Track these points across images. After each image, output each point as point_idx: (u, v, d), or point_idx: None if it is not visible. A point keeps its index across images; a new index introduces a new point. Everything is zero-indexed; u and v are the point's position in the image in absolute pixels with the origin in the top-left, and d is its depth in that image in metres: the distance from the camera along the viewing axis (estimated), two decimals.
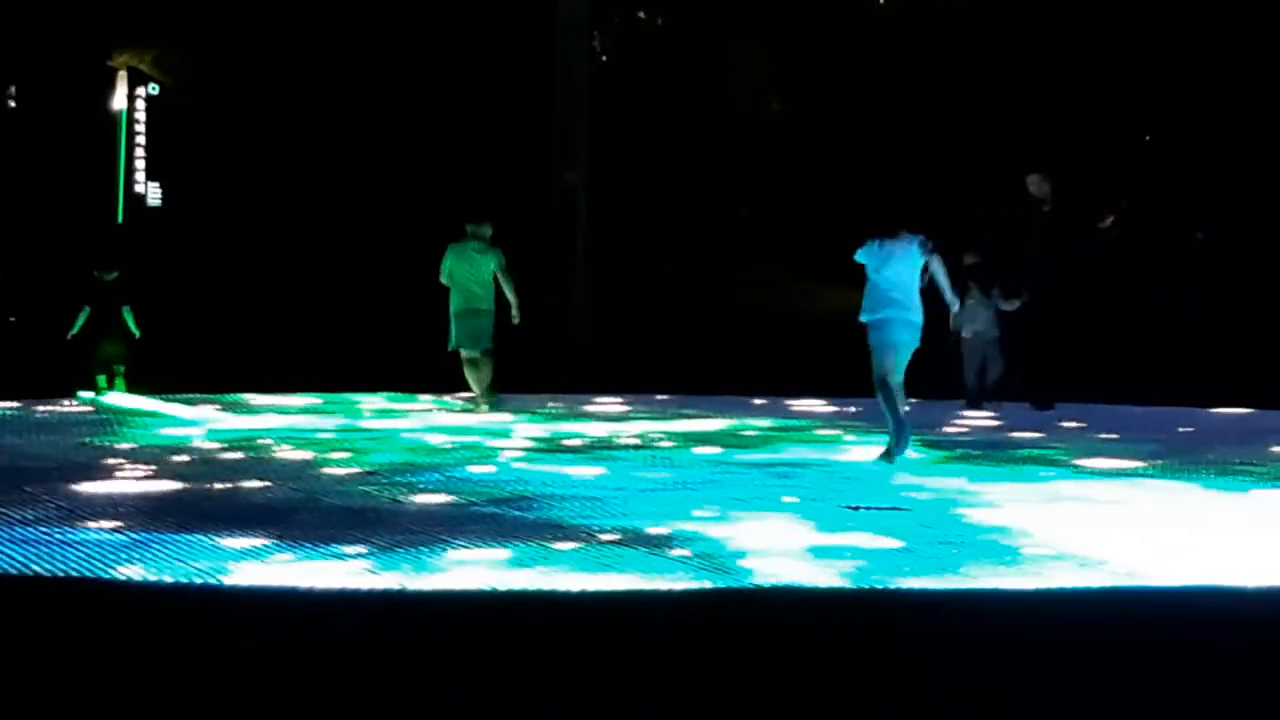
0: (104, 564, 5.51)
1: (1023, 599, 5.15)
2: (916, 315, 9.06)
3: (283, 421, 11.92)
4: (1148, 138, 28.48)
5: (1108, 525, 6.59)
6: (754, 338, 21.43)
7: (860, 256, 9.18)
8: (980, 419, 12.39)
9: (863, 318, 9.16)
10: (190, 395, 14.50)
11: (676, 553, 5.80)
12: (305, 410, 13.25)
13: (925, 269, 9.05)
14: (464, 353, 12.90)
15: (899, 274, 9.01)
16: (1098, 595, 5.20)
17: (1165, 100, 28.65)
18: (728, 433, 11.30)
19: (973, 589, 5.24)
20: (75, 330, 14.42)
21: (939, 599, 5.12)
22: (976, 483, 8.07)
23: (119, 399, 14.25)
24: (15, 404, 13.36)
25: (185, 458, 9.16)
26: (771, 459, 9.37)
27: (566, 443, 10.40)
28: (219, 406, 13.45)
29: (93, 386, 14.39)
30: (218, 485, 7.78)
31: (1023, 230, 11.85)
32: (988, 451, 9.85)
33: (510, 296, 12.77)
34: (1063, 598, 5.16)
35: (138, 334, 14.64)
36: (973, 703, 3.97)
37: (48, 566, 5.44)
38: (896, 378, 9.05)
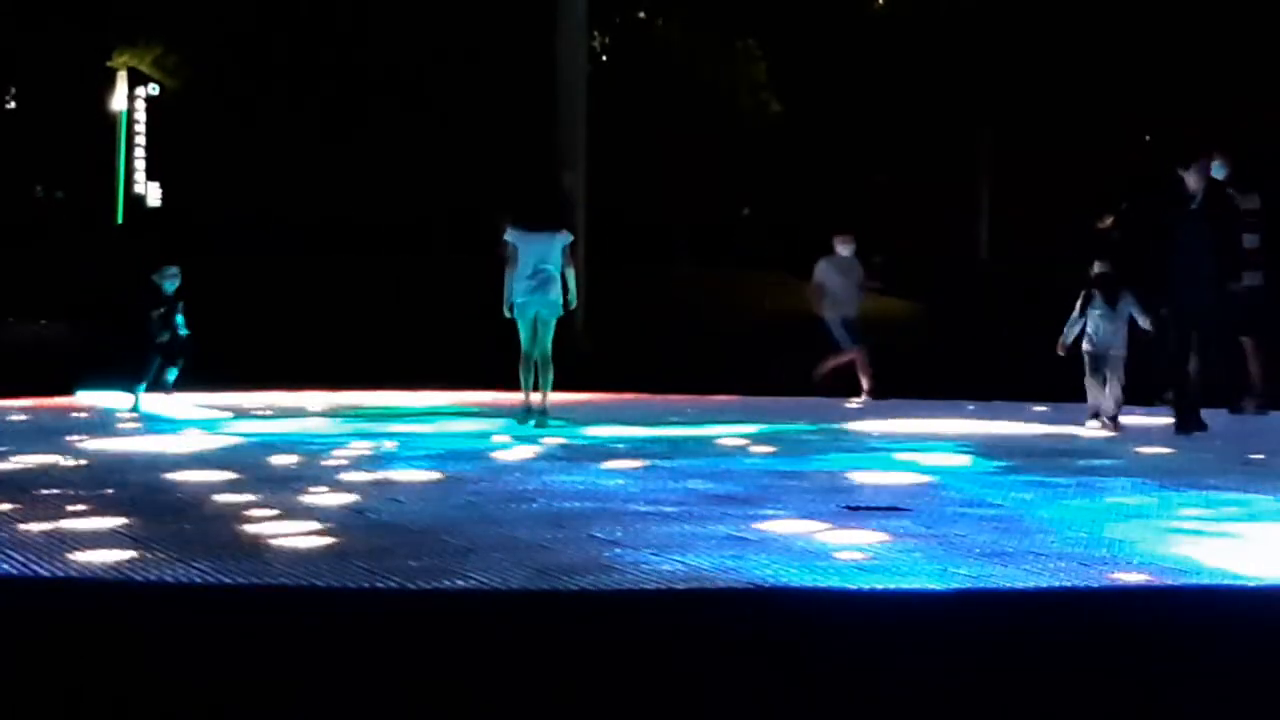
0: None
1: (1022, 599, 5.14)
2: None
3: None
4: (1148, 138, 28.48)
5: (1129, 529, 6.57)
6: (752, 338, 21.41)
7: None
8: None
9: None
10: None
11: (674, 553, 5.79)
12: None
13: None
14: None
15: None
16: (1098, 595, 5.20)
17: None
18: (722, 436, 11.28)
19: (972, 589, 5.23)
20: (160, 339, 13.98)
21: (939, 599, 5.11)
22: (991, 487, 8.04)
23: (170, 404, 13.94)
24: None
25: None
26: (770, 459, 9.37)
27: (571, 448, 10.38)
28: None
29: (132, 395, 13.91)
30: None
31: (1174, 229, 10.89)
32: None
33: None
34: (1063, 598, 5.15)
35: (185, 333, 14.16)
36: (973, 703, 3.96)
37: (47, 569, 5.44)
38: None
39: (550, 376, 11.64)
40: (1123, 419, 11.52)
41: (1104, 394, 11.35)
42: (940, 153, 34.13)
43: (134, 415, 12.99)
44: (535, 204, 11.88)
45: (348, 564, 5.51)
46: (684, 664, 4.31)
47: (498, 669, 4.22)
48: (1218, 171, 12.23)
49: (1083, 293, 11.26)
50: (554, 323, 11.62)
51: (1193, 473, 8.54)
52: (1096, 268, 11.28)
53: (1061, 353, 11.48)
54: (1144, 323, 11.03)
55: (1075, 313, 11.23)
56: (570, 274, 11.59)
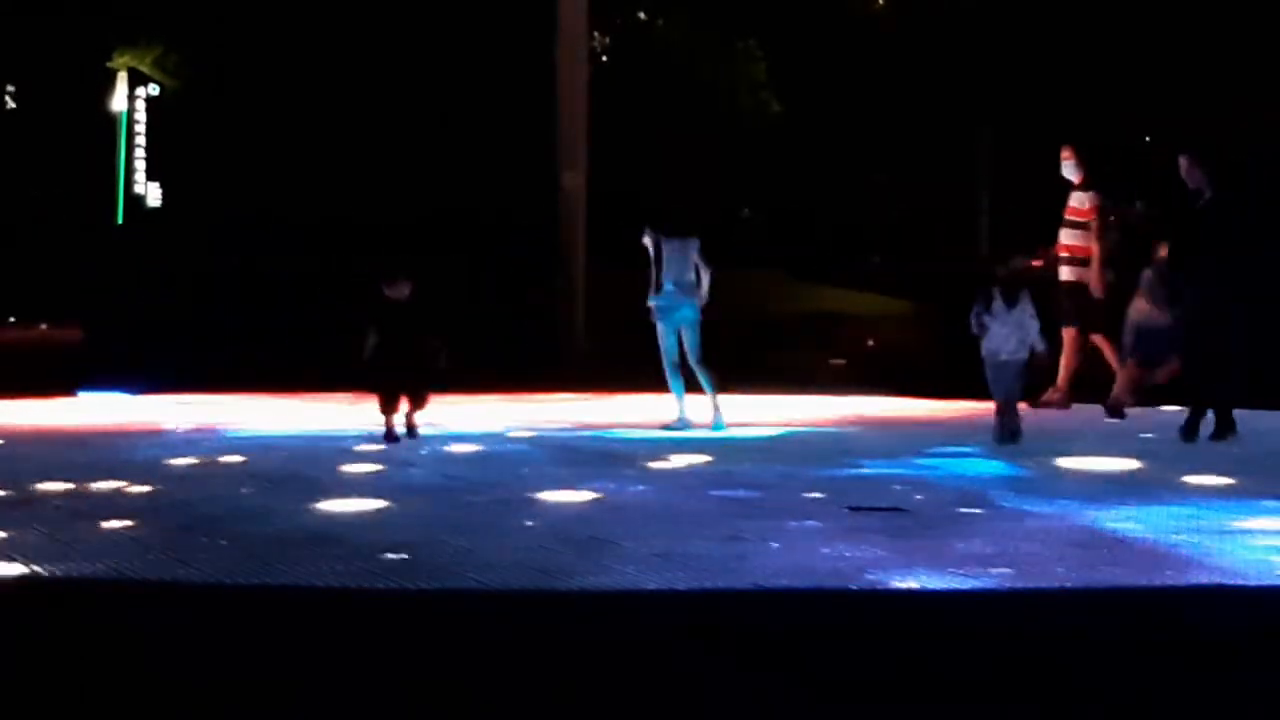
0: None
1: (1023, 599, 5.14)
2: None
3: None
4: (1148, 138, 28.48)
5: (1129, 529, 6.56)
6: (752, 338, 21.41)
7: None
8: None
9: None
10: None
11: (674, 553, 5.79)
12: None
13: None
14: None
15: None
16: (1100, 595, 5.20)
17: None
18: (722, 439, 11.26)
19: (972, 589, 5.23)
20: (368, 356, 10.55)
21: (939, 599, 5.11)
22: (991, 487, 8.02)
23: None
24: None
25: None
26: (771, 459, 9.36)
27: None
28: None
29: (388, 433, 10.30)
30: None
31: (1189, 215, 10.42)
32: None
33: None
34: (1064, 598, 5.15)
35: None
36: (973, 703, 3.96)
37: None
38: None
39: (709, 378, 11.59)
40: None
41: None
42: (940, 153, 34.10)
43: (133, 416, 12.96)
44: (673, 210, 11.97)
45: (348, 564, 5.51)
46: (684, 664, 4.31)
47: (498, 669, 4.22)
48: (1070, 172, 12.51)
49: (981, 291, 10.24)
50: (699, 326, 11.62)
51: (1200, 477, 8.54)
52: (1000, 268, 10.40)
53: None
54: (1035, 334, 10.04)
55: (975, 313, 10.10)
56: (706, 276, 11.53)
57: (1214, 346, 10.04)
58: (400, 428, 10.09)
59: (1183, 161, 10.05)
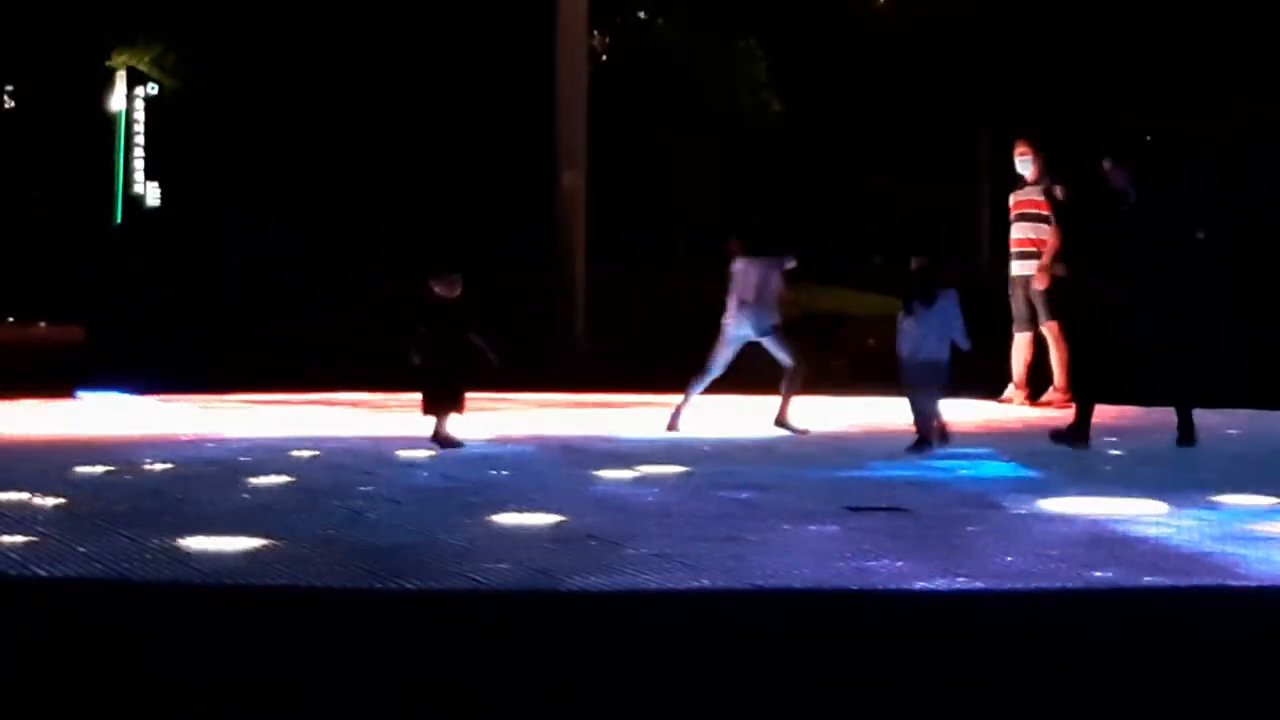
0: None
1: (1023, 599, 5.14)
2: None
3: None
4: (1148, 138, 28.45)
5: (1130, 529, 6.56)
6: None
7: None
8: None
9: None
10: None
11: (674, 553, 5.78)
12: None
13: None
14: None
15: None
16: (1100, 595, 5.19)
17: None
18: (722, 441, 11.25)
19: (972, 589, 5.23)
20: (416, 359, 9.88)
21: (939, 599, 5.11)
22: (991, 487, 8.02)
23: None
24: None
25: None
26: (770, 459, 9.36)
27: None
28: None
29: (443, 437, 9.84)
30: None
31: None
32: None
33: None
34: (1064, 598, 5.15)
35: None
36: (973, 703, 3.96)
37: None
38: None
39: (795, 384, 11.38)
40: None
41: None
42: (940, 153, 34.10)
43: (133, 415, 12.97)
44: (761, 231, 11.62)
45: (347, 564, 5.51)
46: (684, 664, 4.30)
47: (497, 669, 4.22)
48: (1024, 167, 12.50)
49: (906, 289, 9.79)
50: (776, 332, 11.30)
51: (1196, 478, 8.54)
52: (913, 263, 9.88)
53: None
54: (959, 331, 9.58)
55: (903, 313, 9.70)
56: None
57: (1143, 346, 9.81)
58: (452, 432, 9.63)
59: (1106, 164, 9.83)
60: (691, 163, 33.16)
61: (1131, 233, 9.77)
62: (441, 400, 9.68)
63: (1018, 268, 12.72)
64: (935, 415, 9.64)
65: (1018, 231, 12.70)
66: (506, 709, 3.86)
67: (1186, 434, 9.75)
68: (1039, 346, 12.82)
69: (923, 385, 9.57)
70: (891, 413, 13.48)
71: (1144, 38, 30.04)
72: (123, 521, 6.38)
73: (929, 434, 9.57)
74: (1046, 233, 12.56)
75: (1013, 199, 12.86)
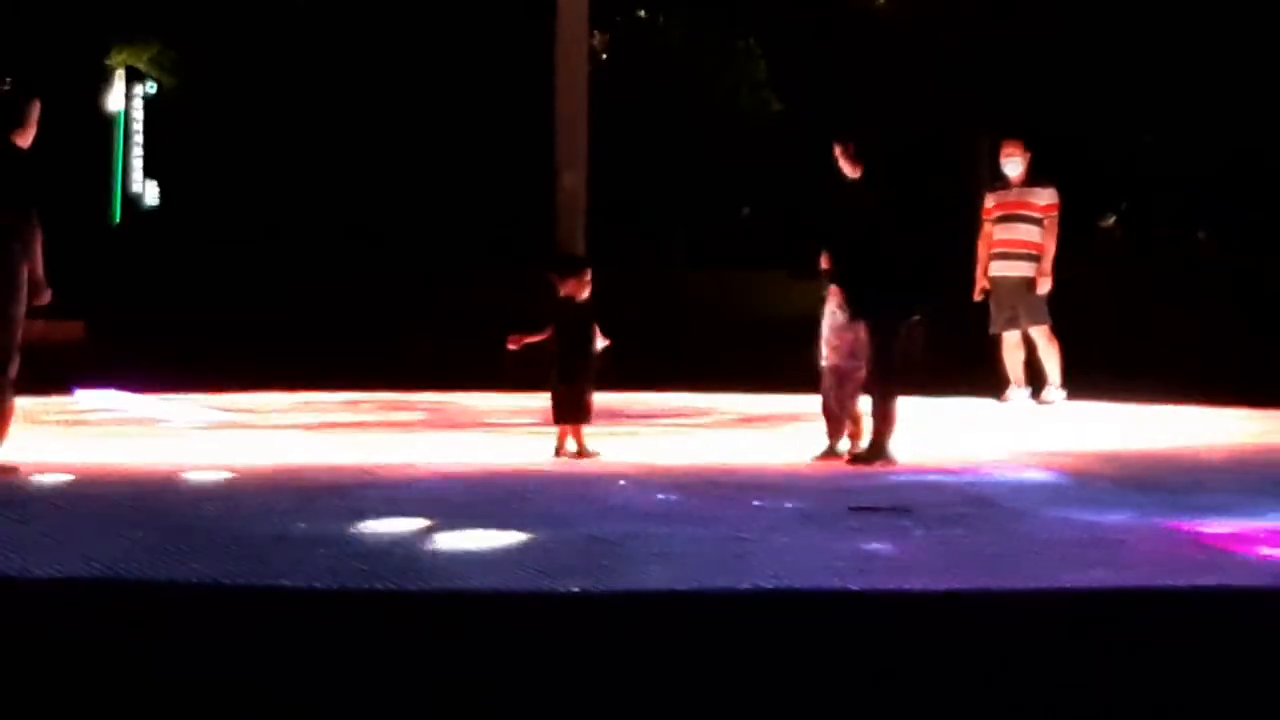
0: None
1: (1023, 599, 5.14)
2: None
3: None
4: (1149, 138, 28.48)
5: (1124, 531, 6.56)
6: (752, 338, 21.41)
7: None
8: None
9: None
10: None
11: (674, 553, 5.78)
12: None
13: None
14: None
15: None
16: (1100, 595, 5.19)
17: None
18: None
19: (972, 589, 5.23)
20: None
21: (939, 599, 5.11)
22: (992, 487, 8.01)
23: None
24: None
25: None
26: (770, 459, 9.35)
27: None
28: None
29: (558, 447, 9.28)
30: None
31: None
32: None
33: None
34: (1063, 598, 5.15)
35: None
36: (973, 703, 3.96)
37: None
38: None
39: None
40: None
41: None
42: (940, 153, 34.11)
43: (134, 416, 12.96)
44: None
45: (346, 564, 5.51)
46: (684, 664, 4.30)
47: (497, 669, 4.22)
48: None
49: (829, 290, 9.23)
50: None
51: (1195, 479, 8.55)
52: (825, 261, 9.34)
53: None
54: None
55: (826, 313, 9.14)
56: None
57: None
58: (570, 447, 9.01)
59: (836, 148, 9.28)
60: (691, 162, 33.17)
61: (847, 217, 9.37)
62: (575, 409, 9.17)
63: (1002, 268, 12.54)
64: (845, 418, 9.15)
65: (1004, 232, 12.54)
66: (506, 709, 3.86)
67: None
68: (1027, 346, 12.76)
69: (845, 393, 9.11)
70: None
71: (1144, 38, 30.04)
72: (123, 521, 6.38)
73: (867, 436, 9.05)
74: (1037, 235, 12.44)
75: (992, 199, 12.71)
